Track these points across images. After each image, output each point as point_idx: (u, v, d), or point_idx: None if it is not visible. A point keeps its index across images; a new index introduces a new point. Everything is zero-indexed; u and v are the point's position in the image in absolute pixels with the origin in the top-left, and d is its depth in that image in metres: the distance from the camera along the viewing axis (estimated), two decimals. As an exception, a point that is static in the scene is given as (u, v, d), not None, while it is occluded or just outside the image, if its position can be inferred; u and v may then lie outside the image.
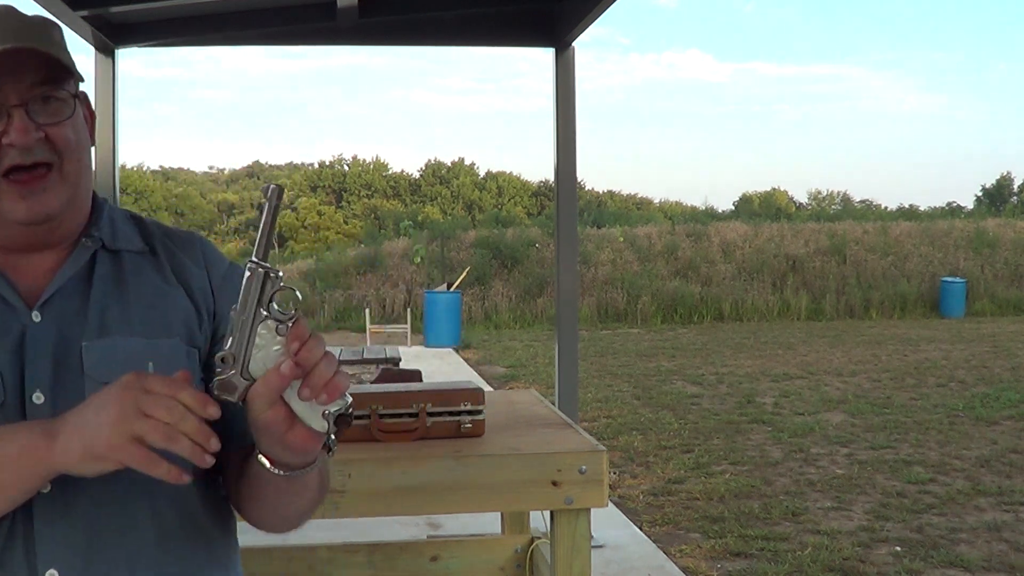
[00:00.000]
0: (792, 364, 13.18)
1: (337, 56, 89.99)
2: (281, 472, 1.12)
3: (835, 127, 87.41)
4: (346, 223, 44.60)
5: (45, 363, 1.16)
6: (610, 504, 5.63)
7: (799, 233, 23.99)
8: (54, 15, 4.62)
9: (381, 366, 6.38)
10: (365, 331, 15.73)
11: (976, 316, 20.51)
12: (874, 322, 19.93)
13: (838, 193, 53.36)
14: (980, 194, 46.79)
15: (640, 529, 5.76)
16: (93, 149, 1.33)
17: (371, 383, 3.64)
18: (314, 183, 50.05)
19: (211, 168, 61.35)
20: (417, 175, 51.39)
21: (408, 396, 2.77)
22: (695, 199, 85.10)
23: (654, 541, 5.53)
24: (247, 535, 1.37)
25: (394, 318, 19.09)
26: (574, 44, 5.42)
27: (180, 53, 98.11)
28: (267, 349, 1.04)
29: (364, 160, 51.75)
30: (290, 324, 1.03)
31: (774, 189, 51.57)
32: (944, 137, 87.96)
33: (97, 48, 5.24)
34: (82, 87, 1.26)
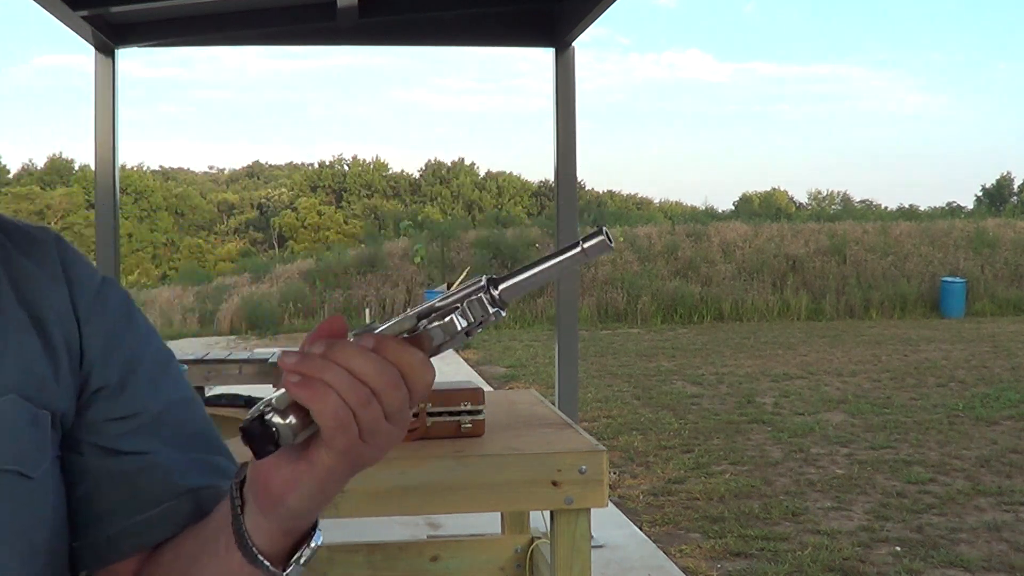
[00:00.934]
0: (792, 364, 13.18)
1: (337, 56, 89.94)
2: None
3: (835, 127, 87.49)
4: (346, 223, 44.62)
5: None
6: (610, 504, 5.63)
7: (799, 233, 23.99)
8: (54, 15, 4.63)
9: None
10: (365, 331, 15.72)
11: (976, 316, 20.50)
12: (874, 322, 19.93)
13: (838, 193, 53.42)
14: (980, 194, 46.84)
15: (640, 529, 5.76)
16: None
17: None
18: (314, 183, 50.08)
19: (211, 168, 61.40)
20: (417, 175, 51.45)
21: (408, 396, 2.76)
22: (695, 199, 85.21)
23: (654, 541, 5.53)
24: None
25: (394, 318, 19.09)
26: (574, 44, 5.42)
27: (180, 53, 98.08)
28: None
29: (364, 160, 51.80)
30: (408, 334, 0.74)
31: (774, 189, 51.66)
32: (944, 137, 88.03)
33: (97, 48, 5.24)
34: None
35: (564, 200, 5.54)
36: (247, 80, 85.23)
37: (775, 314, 20.81)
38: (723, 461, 7.52)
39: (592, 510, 2.61)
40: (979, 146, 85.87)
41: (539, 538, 3.51)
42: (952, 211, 34.55)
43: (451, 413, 2.76)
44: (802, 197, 53.28)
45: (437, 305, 0.74)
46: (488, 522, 4.51)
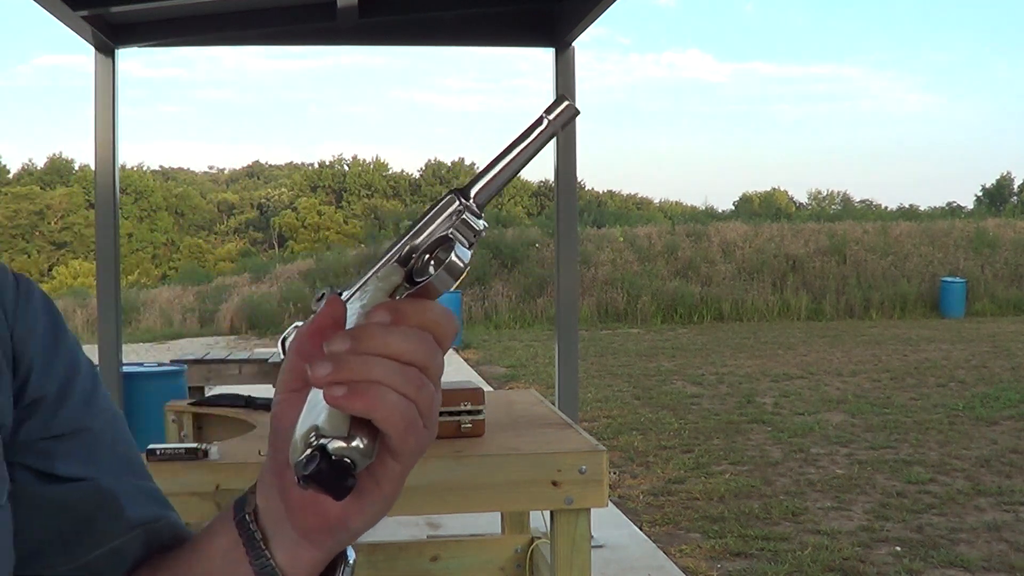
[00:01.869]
0: (792, 364, 13.18)
1: (337, 56, 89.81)
2: None
3: (835, 127, 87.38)
4: (346, 223, 44.62)
5: None
6: (610, 504, 5.63)
7: (799, 233, 24.00)
8: (54, 15, 4.63)
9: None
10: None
11: (976, 316, 20.50)
12: (874, 322, 19.93)
13: (838, 193, 53.38)
14: (980, 194, 46.80)
15: (640, 529, 5.76)
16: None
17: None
18: (314, 183, 50.08)
19: (211, 168, 61.34)
20: (417, 175, 51.45)
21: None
22: (695, 199, 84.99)
23: (654, 541, 5.53)
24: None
25: (394, 318, 19.09)
26: (574, 44, 5.42)
27: (180, 53, 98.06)
28: (353, 306, 0.66)
29: (364, 160, 51.80)
30: (410, 287, 0.64)
31: (774, 189, 51.61)
32: (944, 137, 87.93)
33: (97, 48, 5.24)
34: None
35: (564, 200, 5.54)
36: (247, 80, 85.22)
37: (775, 314, 20.81)
38: (723, 461, 7.52)
39: (592, 510, 2.61)
40: (979, 146, 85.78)
41: (539, 538, 3.51)
42: (952, 211, 34.55)
43: (451, 413, 2.76)
44: (802, 197, 53.27)
45: (418, 244, 0.64)
46: (488, 522, 4.52)
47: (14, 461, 0.71)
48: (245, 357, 7.69)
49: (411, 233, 0.65)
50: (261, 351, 9.85)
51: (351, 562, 0.69)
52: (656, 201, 53.34)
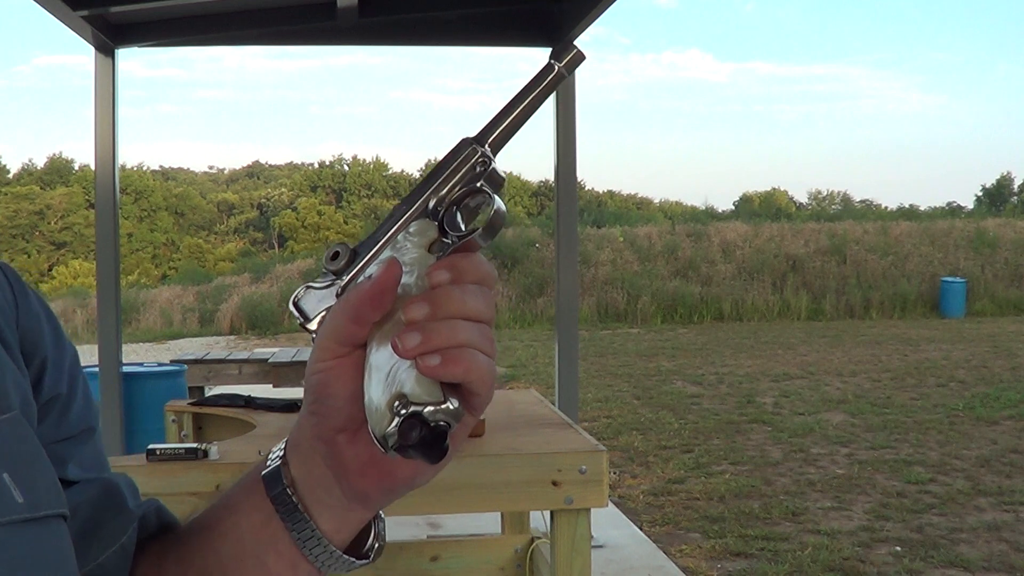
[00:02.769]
0: (792, 364, 13.18)
1: (337, 56, 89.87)
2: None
3: (835, 127, 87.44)
4: (346, 223, 44.60)
5: None
6: (610, 504, 5.64)
7: (799, 233, 23.99)
8: (54, 15, 4.63)
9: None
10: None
11: (976, 316, 20.50)
12: (874, 322, 19.93)
13: (838, 193, 53.40)
14: (980, 194, 46.80)
15: (640, 529, 5.76)
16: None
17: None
18: (314, 183, 50.08)
19: (211, 168, 61.36)
20: (417, 175, 51.41)
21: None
22: (695, 199, 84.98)
23: (654, 541, 5.53)
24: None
25: (394, 318, 19.09)
26: (574, 44, 5.42)
27: (180, 53, 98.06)
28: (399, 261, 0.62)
29: (364, 160, 51.80)
30: (456, 241, 0.62)
31: (774, 189, 51.61)
32: (944, 137, 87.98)
33: (97, 48, 5.24)
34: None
35: (564, 200, 5.54)
36: (247, 80, 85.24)
37: (775, 314, 20.81)
38: (723, 461, 7.52)
39: (592, 510, 2.61)
40: (979, 146, 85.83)
41: (539, 538, 3.51)
42: (952, 211, 34.55)
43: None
44: (802, 197, 53.29)
45: (445, 194, 0.64)
46: (488, 522, 4.52)
47: None
48: (245, 357, 7.69)
49: (434, 186, 0.64)
50: (261, 351, 9.85)
51: (382, 516, 0.70)
52: (656, 201, 53.38)
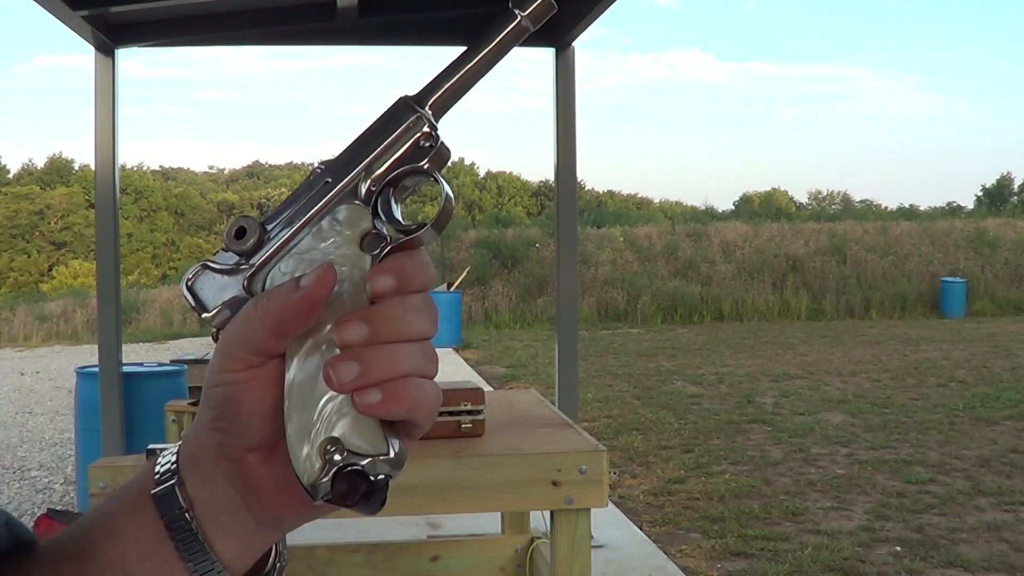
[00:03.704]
0: (792, 364, 13.17)
1: (337, 56, 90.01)
2: None
3: (835, 127, 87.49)
4: (346, 223, 44.56)
5: None
6: (610, 504, 5.64)
7: (799, 233, 24.00)
8: (54, 15, 4.62)
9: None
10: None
11: (976, 316, 20.50)
12: (874, 322, 19.93)
13: (838, 193, 53.40)
14: (980, 194, 46.82)
15: (640, 529, 5.76)
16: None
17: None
18: (314, 183, 50.07)
19: (211, 168, 61.38)
20: (417, 175, 51.39)
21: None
22: (695, 199, 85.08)
23: (654, 541, 5.53)
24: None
25: (394, 318, 19.06)
26: (574, 44, 5.42)
27: (180, 53, 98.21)
28: (312, 255, 0.54)
29: (364, 160, 51.75)
30: (399, 239, 0.54)
31: (774, 189, 51.64)
32: (944, 137, 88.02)
33: (97, 48, 5.24)
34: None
35: (564, 200, 5.54)
36: (247, 80, 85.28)
37: (775, 314, 20.81)
38: (723, 461, 7.51)
39: (592, 510, 2.61)
40: (979, 146, 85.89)
41: (539, 538, 3.51)
42: (952, 211, 34.57)
43: (451, 413, 2.76)
44: (802, 197, 53.31)
45: (380, 175, 0.54)
46: (488, 522, 4.51)
47: None
48: (245, 357, 7.66)
49: (367, 161, 0.55)
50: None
51: (284, 551, 0.63)
52: (656, 201, 53.39)
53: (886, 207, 41.93)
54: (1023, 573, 4.94)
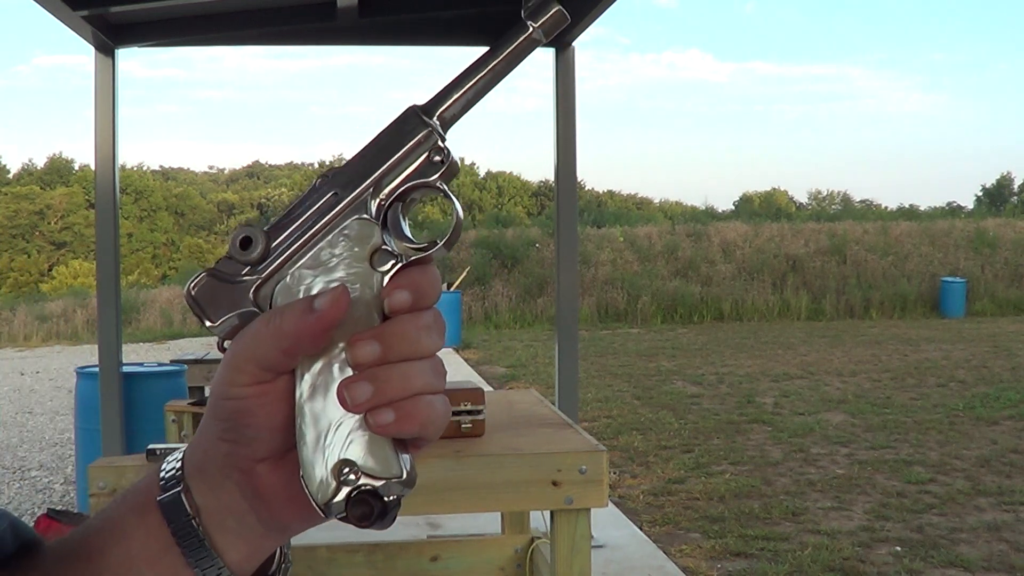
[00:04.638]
0: (792, 364, 13.17)
1: (337, 56, 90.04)
2: None
3: (835, 127, 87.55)
4: (346, 223, 44.57)
5: None
6: (610, 504, 5.64)
7: (799, 233, 23.99)
8: (54, 15, 4.62)
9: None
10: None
11: (976, 316, 20.50)
12: (874, 322, 19.92)
13: (838, 193, 53.41)
14: (980, 194, 46.83)
15: (640, 529, 5.76)
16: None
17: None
18: (314, 183, 50.07)
19: (211, 168, 61.41)
20: (417, 175, 51.40)
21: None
22: (695, 199, 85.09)
23: (654, 541, 5.53)
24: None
25: (394, 318, 19.07)
26: (574, 44, 5.42)
27: (180, 53, 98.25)
28: (328, 275, 0.53)
29: (364, 160, 51.75)
30: (413, 256, 0.54)
31: (774, 189, 51.64)
32: (944, 137, 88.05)
33: (97, 48, 5.24)
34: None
35: (564, 200, 5.54)
36: (247, 80, 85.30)
37: (775, 314, 20.81)
38: (723, 461, 7.51)
39: (592, 510, 2.61)
40: (979, 146, 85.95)
41: (539, 538, 3.51)
42: (952, 211, 34.58)
43: (451, 413, 2.76)
44: (802, 197, 53.32)
45: (390, 191, 0.53)
46: (488, 522, 4.52)
47: None
48: (245, 357, 7.66)
49: (376, 175, 0.53)
50: (261, 351, 9.81)
51: (288, 552, 0.64)
52: (656, 201, 53.40)
53: (886, 207, 41.98)
54: (1023, 573, 4.94)
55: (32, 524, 5.02)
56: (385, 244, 0.53)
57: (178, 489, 0.57)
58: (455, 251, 22.66)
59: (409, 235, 0.55)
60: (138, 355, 13.92)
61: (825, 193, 53.62)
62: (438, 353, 0.54)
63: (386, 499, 0.51)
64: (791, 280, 21.81)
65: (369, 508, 0.51)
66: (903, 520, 5.85)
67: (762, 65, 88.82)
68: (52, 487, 7.36)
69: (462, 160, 51.37)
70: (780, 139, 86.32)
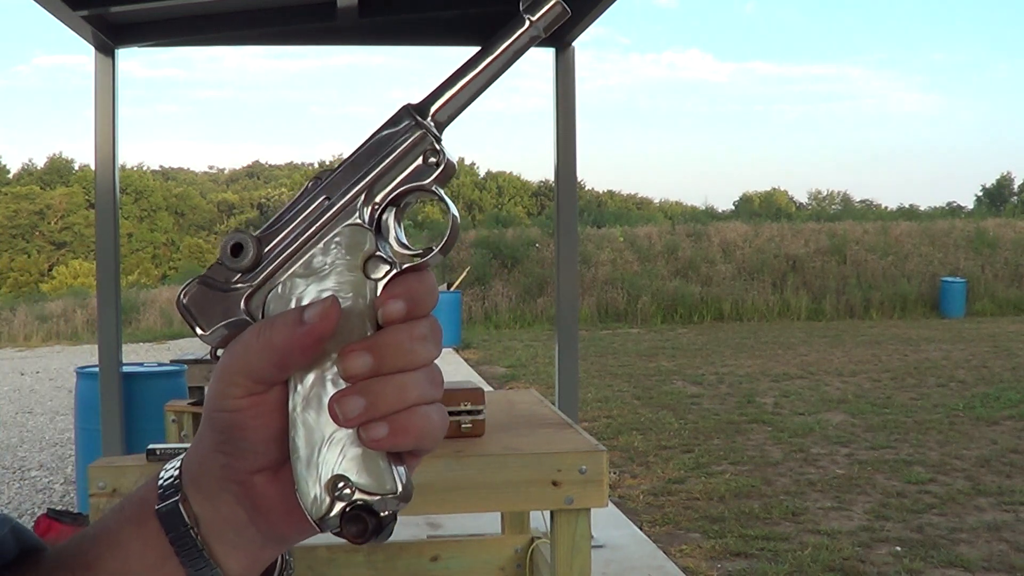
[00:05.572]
0: (792, 364, 13.17)
1: (337, 56, 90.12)
2: None
3: (835, 127, 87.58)
4: (346, 223, 44.56)
5: None
6: (610, 504, 5.63)
7: (799, 233, 23.99)
8: (54, 15, 4.62)
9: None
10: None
11: (976, 316, 20.50)
12: (874, 322, 19.92)
13: (838, 193, 53.43)
14: (980, 194, 46.83)
15: (640, 529, 5.76)
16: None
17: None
18: (314, 183, 50.07)
19: (211, 168, 61.43)
20: (417, 175, 51.37)
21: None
22: (695, 199, 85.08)
23: (654, 541, 5.53)
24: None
25: (394, 318, 19.07)
26: (574, 44, 5.42)
27: (180, 53, 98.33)
28: (320, 284, 0.52)
29: (364, 160, 51.74)
30: (408, 263, 0.52)
31: (774, 189, 51.66)
32: (944, 137, 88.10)
33: (97, 48, 5.24)
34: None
35: (564, 200, 5.54)
36: (247, 80, 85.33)
37: (775, 314, 20.81)
38: (723, 461, 7.51)
39: (592, 510, 2.61)
40: (979, 146, 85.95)
41: (539, 538, 3.51)
42: (952, 211, 34.57)
43: (451, 413, 2.76)
44: (802, 197, 53.35)
45: (384, 196, 0.52)
46: (488, 522, 4.51)
47: None
48: (245, 357, 7.65)
49: (368, 179, 0.52)
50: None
51: (289, 558, 0.64)
52: (656, 201, 53.42)
53: (886, 207, 42.00)
54: (1023, 573, 4.94)
55: (32, 524, 5.02)
56: (379, 251, 0.52)
57: (176, 499, 0.56)
58: (455, 251, 22.65)
59: (404, 241, 0.53)
60: (138, 355, 13.93)
61: (825, 193, 53.66)
62: (439, 370, 0.54)
63: (381, 514, 0.51)
64: (791, 280, 21.81)
65: (364, 524, 0.50)
66: (903, 520, 5.85)
67: (762, 65, 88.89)
68: (52, 487, 7.36)
69: (462, 160, 51.38)
70: (780, 139, 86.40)
